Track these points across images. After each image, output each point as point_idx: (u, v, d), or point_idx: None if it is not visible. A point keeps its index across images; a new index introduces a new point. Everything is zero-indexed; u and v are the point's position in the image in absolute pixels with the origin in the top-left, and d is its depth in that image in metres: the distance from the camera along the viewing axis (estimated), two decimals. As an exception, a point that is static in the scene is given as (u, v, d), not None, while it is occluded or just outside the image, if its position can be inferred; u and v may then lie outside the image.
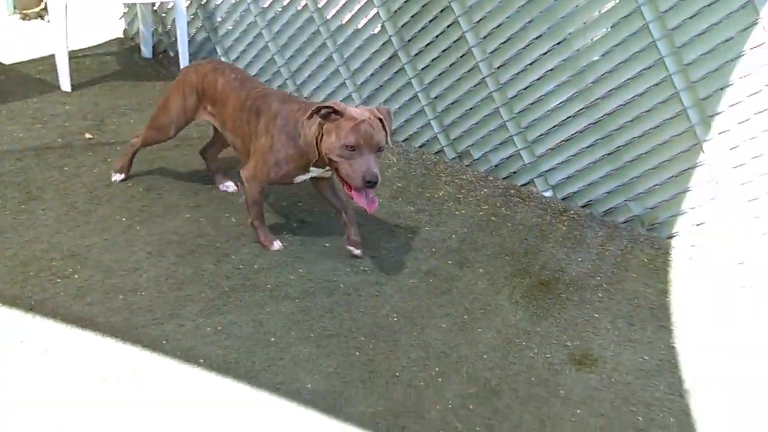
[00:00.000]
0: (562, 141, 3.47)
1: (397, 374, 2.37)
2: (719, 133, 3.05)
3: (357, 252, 2.90)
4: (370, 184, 2.40)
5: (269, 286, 2.68)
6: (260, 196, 2.81)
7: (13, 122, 3.66)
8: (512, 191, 3.64)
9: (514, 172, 3.68)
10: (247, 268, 2.77)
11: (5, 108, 3.81)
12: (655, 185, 3.28)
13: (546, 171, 3.57)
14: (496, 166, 3.72)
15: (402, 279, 2.85)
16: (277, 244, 2.90)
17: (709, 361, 2.59)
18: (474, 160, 3.79)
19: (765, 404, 2.42)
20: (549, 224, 3.38)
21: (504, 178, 3.72)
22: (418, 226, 3.24)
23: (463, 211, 3.43)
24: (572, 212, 3.49)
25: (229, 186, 3.27)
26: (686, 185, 3.20)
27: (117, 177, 3.22)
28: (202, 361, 2.28)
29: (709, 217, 3.18)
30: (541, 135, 3.51)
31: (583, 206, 3.52)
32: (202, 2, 4.47)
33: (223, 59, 4.52)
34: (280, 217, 3.15)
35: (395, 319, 2.62)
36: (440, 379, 2.38)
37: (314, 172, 2.72)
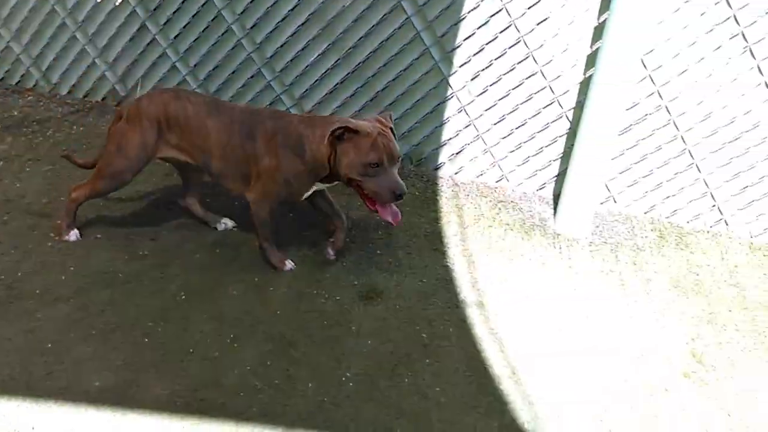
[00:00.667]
0: (327, 94, 3.57)
1: (191, 350, 2.35)
2: (460, 66, 3.33)
3: (332, 255, 2.86)
4: (400, 197, 2.38)
5: (38, 291, 2.49)
6: (271, 217, 2.67)
7: None
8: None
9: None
10: (9, 276, 2.54)
11: None
12: (416, 123, 3.52)
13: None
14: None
15: (187, 256, 2.80)
16: (289, 264, 2.78)
17: (480, 273, 2.90)
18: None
19: (524, 302, 2.78)
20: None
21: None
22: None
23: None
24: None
25: (227, 223, 3.02)
26: (442, 119, 3.47)
27: (72, 235, 2.78)
28: (-32, 386, 2.08)
29: (465, 143, 3.50)
30: (306, 91, 3.58)
31: (357, 153, 3.68)
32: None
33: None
34: (40, 216, 2.91)
35: (183, 297, 2.58)
36: (236, 345, 2.41)
37: (319, 186, 2.64)
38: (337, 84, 3.52)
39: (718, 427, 2.30)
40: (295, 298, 2.65)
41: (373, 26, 3.34)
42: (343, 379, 2.32)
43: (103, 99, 3.93)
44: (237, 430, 2.09)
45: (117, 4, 3.61)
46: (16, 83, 4.02)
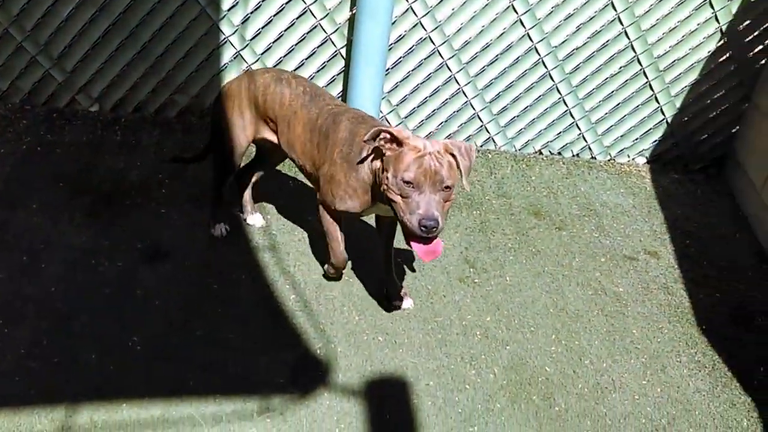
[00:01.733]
0: (89, 50, 3.29)
1: (-47, 346, 2.14)
2: (230, 9, 3.24)
3: (407, 305, 2.58)
4: (426, 229, 1.98)
5: None
6: (333, 225, 2.40)
7: None
8: (55, 115, 3.39)
9: (52, 95, 3.41)
10: None
11: None
12: (192, 73, 3.38)
13: (84, 85, 3.39)
14: (28, 94, 3.39)
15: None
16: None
17: (271, 215, 2.91)
18: (2, 92, 3.39)
19: (315, 238, 2.85)
20: (101, 138, 3.27)
21: (43, 104, 3.43)
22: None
23: (2, 150, 3.10)
24: (124, 120, 3.43)
25: (257, 220, 2.85)
26: (218, 67, 3.37)
27: (221, 229, 2.76)
28: None
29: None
30: (66, 48, 3.28)
31: (133, 111, 3.48)
32: None
33: None
34: None
35: (-62, 287, 2.32)
36: (7, 330, 2.23)
37: (382, 208, 2.23)
38: (99, 38, 3.26)
39: (489, 321, 2.57)
40: (71, 270, 2.49)
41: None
42: (130, 344, 2.25)
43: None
44: (17, 417, 1.96)
45: None
46: None
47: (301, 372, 2.26)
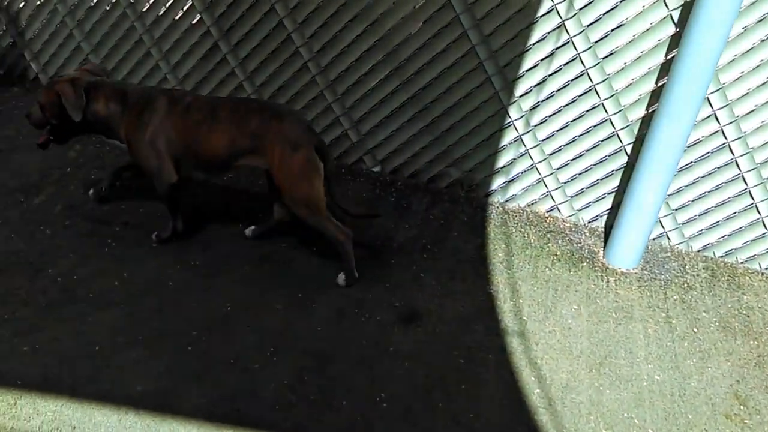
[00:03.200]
0: (385, 117, 3.62)
1: (232, 361, 2.41)
2: (520, 96, 3.32)
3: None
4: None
5: (91, 295, 2.61)
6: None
7: None
8: (343, 170, 3.75)
9: (344, 152, 3.80)
10: (66, 279, 2.68)
11: None
12: (470, 150, 3.52)
13: (372, 148, 3.72)
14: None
15: (235, 269, 2.88)
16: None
17: (523, 302, 2.86)
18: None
19: (567, 333, 2.72)
20: (378, 197, 3.53)
21: (335, 159, 3.83)
22: (248, 215, 3.27)
23: (296, 195, 3.50)
24: (400, 184, 3.67)
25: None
26: (497, 146, 3.46)
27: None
28: (19, 382, 2.20)
29: (519, 172, 3.47)
30: (365, 114, 3.64)
31: (409, 177, 3.71)
32: (3, 4, 4.17)
33: (33, 65, 4.26)
34: (100, 223, 3.05)
35: (229, 308, 2.65)
36: (275, 358, 2.45)
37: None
38: (396, 109, 3.57)
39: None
40: (337, 315, 2.68)
41: (437, 54, 3.37)
42: (377, 399, 2.33)
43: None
44: (268, 444, 2.13)
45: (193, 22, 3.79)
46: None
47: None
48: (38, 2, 4.09)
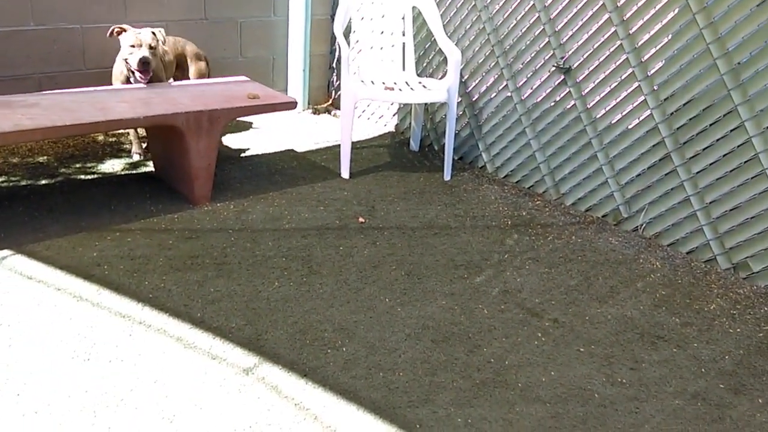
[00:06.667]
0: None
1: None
2: None
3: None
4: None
5: (520, 384, 2.64)
6: None
7: (300, 204, 4.21)
8: None
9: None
10: (498, 362, 2.77)
11: (295, 191, 4.40)
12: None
13: None
14: (776, 283, 3.29)
15: (665, 398, 2.61)
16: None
17: None
18: (753, 273, 3.39)
19: None
20: None
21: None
22: (684, 341, 2.96)
23: (738, 329, 3.07)
24: None
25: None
26: None
27: None
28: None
29: None
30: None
31: None
32: (472, 100, 4.78)
33: (484, 155, 4.74)
34: (531, 314, 3.12)
35: (657, 442, 2.39)
36: None
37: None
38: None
39: None
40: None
41: None
42: None
43: (603, 216, 4.09)
44: None
45: (642, 134, 3.74)
46: (529, 187, 4.51)
47: None
48: (499, 101, 4.54)
